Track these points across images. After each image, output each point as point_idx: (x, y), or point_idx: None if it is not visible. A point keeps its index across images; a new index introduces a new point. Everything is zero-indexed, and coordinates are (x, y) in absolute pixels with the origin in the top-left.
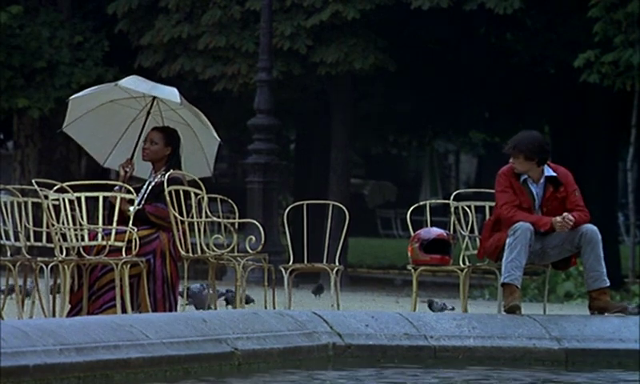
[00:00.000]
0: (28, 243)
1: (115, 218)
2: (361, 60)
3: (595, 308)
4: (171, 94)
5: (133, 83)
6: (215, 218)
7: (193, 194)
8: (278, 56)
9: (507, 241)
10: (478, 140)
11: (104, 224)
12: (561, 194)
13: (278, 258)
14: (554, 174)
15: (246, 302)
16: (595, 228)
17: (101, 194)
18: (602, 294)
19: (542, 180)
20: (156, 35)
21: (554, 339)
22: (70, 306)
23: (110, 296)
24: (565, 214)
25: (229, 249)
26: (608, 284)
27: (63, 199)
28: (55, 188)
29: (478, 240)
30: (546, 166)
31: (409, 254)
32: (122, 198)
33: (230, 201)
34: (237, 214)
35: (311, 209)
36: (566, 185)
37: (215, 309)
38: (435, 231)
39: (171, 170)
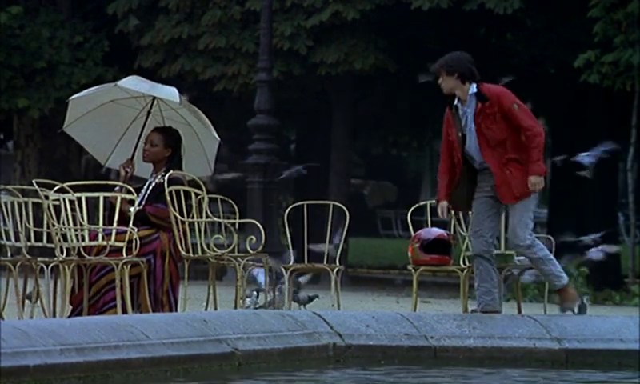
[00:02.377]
0: (28, 243)
1: (116, 219)
2: (361, 60)
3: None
4: (171, 93)
5: (133, 83)
6: (216, 218)
7: (193, 194)
8: (278, 56)
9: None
10: None
11: (104, 224)
12: (491, 110)
13: (279, 258)
14: (476, 90)
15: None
16: (524, 258)
17: (101, 195)
18: (561, 292)
19: (469, 99)
20: (156, 35)
21: (554, 339)
22: (70, 307)
23: (111, 296)
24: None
25: (229, 249)
26: (563, 282)
27: (63, 199)
28: (55, 188)
29: None
30: (474, 85)
31: (409, 254)
32: (122, 199)
33: (230, 201)
34: (237, 214)
35: (311, 209)
36: (500, 104)
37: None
38: (435, 231)
39: (171, 171)
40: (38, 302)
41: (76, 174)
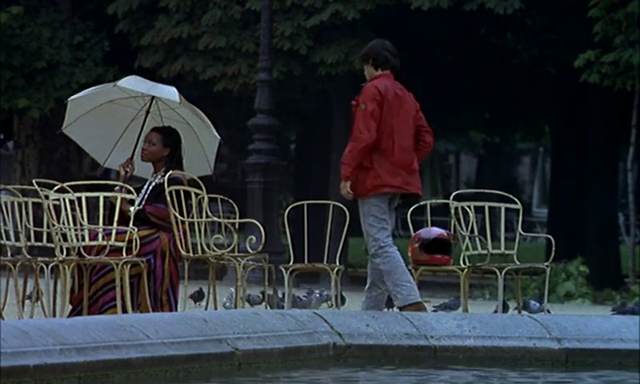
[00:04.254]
0: (28, 243)
1: (116, 218)
2: None
3: None
4: (170, 93)
5: (132, 83)
6: (216, 218)
7: (193, 194)
8: (278, 56)
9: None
10: (478, 140)
11: (104, 224)
12: (357, 102)
13: (279, 257)
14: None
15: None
16: (383, 264)
17: (101, 194)
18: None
19: None
20: (156, 35)
21: (554, 339)
22: (70, 306)
23: (111, 296)
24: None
25: (229, 249)
26: (403, 301)
27: (64, 199)
28: (56, 188)
29: (478, 240)
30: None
31: (409, 254)
32: (122, 198)
33: (230, 201)
34: (237, 214)
35: (311, 209)
36: (359, 98)
37: None
38: (436, 231)
39: (171, 171)
40: (38, 302)
41: (76, 174)
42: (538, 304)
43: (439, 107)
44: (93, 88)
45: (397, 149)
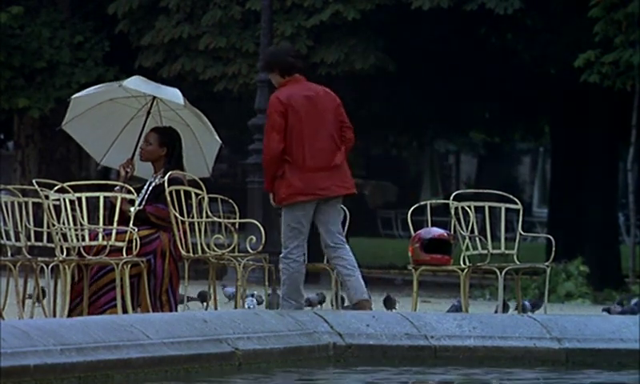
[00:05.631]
0: (29, 243)
1: (116, 218)
2: (361, 60)
3: None
4: (174, 95)
5: (136, 84)
6: (216, 218)
7: (193, 194)
8: None
9: None
10: (478, 140)
11: (104, 224)
12: None
13: (279, 258)
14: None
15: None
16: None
17: (101, 194)
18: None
19: None
20: (156, 35)
21: (554, 339)
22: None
23: (111, 296)
24: None
25: (229, 249)
26: (285, 305)
27: (64, 199)
28: (56, 188)
29: (478, 240)
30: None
31: (410, 254)
32: (122, 198)
33: (230, 201)
34: (237, 214)
35: None
36: None
37: None
38: (436, 231)
39: (171, 171)
40: (38, 302)
41: (76, 174)
42: (530, 305)
43: (439, 107)
44: (96, 86)
45: (308, 155)
